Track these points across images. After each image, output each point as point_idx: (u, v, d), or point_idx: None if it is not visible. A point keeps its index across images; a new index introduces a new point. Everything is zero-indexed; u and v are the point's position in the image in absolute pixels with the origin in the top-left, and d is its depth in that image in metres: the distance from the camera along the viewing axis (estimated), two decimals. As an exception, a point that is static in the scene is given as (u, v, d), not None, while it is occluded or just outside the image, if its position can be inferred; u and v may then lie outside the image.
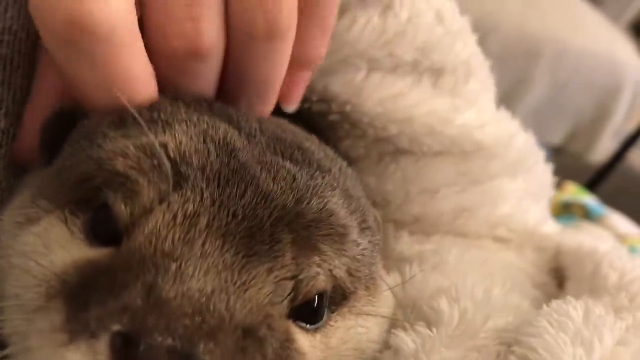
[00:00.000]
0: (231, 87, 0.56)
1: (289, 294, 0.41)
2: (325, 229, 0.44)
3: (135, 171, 0.42)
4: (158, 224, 0.39)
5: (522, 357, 0.41)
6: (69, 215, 0.43)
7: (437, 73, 0.71)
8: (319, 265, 0.43)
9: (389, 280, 0.56)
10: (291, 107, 0.61)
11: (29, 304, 0.40)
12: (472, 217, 0.75)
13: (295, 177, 0.45)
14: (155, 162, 0.42)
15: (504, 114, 0.79)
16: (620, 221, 1.44)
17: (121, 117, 0.47)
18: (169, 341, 0.34)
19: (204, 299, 0.36)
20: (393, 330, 0.50)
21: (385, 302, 0.53)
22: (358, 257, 0.47)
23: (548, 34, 1.85)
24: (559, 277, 0.72)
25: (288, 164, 0.46)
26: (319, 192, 0.45)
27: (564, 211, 1.52)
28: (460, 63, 0.72)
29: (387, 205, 0.72)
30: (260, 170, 0.44)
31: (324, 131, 0.68)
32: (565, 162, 1.86)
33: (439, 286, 0.56)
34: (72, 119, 0.51)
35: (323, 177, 0.48)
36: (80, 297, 0.38)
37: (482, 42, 0.77)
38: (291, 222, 0.42)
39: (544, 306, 0.49)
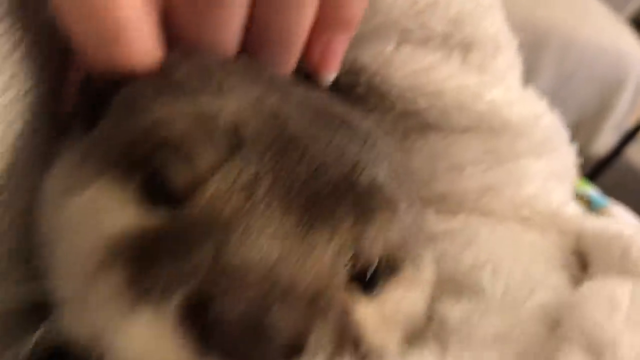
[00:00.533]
0: (253, 41, 0.54)
1: (349, 260, 0.41)
2: (378, 198, 0.43)
3: (188, 137, 0.41)
4: (217, 190, 0.39)
5: (577, 337, 0.40)
6: (122, 178, 0.42)
7: (466, 48, 0.71)
8: (376, 233, 0.42)
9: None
10: (330, 74, 0.59)
11: (84, 269, 0.39)
12: (497, 196, 0.74)
13: (346, 148, 0.44)
14: (209, 128, 0.41)
15: (530, 93, 0.78)
16: (622, 213, 1.44)
17: (167, 84, 0.46)
18: (241, 305, 0.33)
19: (272, 264, 0.35)
20: (438, 301, 0.49)
21: (428, 275, 0.52)
22: (407, 229, 0.46)
23: (555, 25, 1.85)
24: (581, 261, 0.72)
25: (338, 135, 0.45)
26: (369, 164, 0.44)
27: (568, 203, 1.52)
28: (489, 39, 0.72)
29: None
30: (313, 140, 0.43)
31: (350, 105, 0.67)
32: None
33: (475, 262, 0.55)
34: (110, 85, 0.48)
35: (371, 150, 0.47)
36: (141, 262, 0.37)
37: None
38: (346, 190, 0.41)
39: (585, 284, 0.48)
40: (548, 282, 0.54)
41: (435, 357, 0.41)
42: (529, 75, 2.00)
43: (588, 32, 1.91)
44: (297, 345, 0.34)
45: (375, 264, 0.43)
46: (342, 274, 0.40)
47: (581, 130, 2.01)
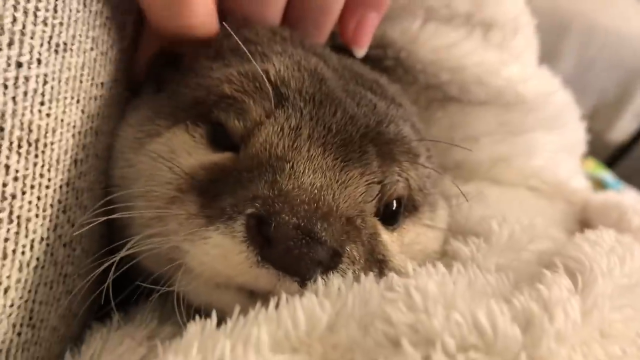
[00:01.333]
0: (292, 17, 0.61)
1: (376, 195, 0.49)
2: (402, 147, 0.51)
3: (241, 93, 0.49)
4: (269, 134, 0.47)
5: (564, 264, 0.46)
6: (190, 125, 0.51)
7: (487, 27, 0.76)
8: (399, 174, 0.50)
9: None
10: (361, 50, 0.65)
11: (162, 197, 0.47)
12: (507, 166, 0.80)
13: (375, 105, 0.52)
14: (258, 84, 0.49)
15: (545, 71, 0.84)
16: (636, 198, 1.48)
17: (218, 50, 0.55)
18: (294, 220, 0.40)
19: (316, 191, 0.43)
20: (450, 239, 0.56)
21: (442, 219, 0.60)
22: (426, 177, 0.54)
23: (578, 10, 1.88)
24: (584, 228, 0.78)
25: (369, 94, 0.54)
26: (395, 120, 0.52)
27: (582, 185, 1.56)
28: (509, 19, 0.77)
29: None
30: (346, 96, 0.51)
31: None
32: (587, 139, 1.88)
33: (485, 214, 0.61)
34: (174, 58, 0.58)
35: (397, 109, 0.55)
36: (210, 191, 0.45)
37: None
38: (374, 138, 0.49)
39: (577, 233, 0.54)
40: (549, 233, 0.61)
41: (457, 273, 0.47)
42: (551, 60, 2.02)
43: (611, 19, 1.93)
44: (337, 253, 0.42)
45: (397, 199, 0.51)
46: (372, 204, 0.48)
47: (600, 116, 2.03)
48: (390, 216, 0.51)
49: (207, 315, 0.40)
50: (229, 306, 0.40)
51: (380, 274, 0.46)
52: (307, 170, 0.44)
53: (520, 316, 0.37)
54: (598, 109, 2.02)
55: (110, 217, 0.47)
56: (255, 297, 0.41)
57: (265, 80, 0.49)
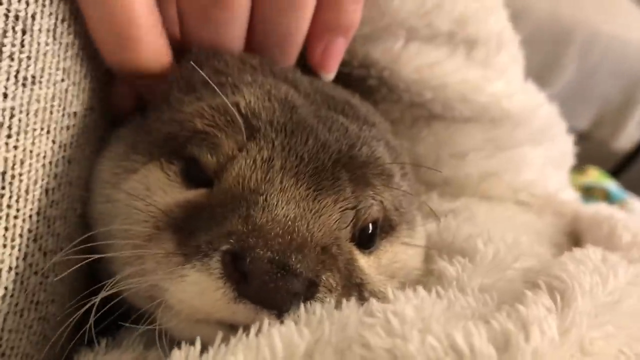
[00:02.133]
0: (256, 42, 0.61)
1: (351, 221, 0.49)
2: (375, 169, 0.52)
3: (213, 128, 0.50)
4: (242, 168, 0.48)
5: (547, 283, 0.47)
6: (164, 163, 0.51)
7: (471, 44, 0.76)
8: (372, 198, 0.51)
9: (426, 225, 0.63)
10: (329, 75, 0.65)
11: (139, 236, 0.48)
12: (496, 181, 0.81)
13: (347, 128, 0.53)
14: (229, 118, 0.50)
15: (530, 86, 0.84)
16: (640, 207, 1.48)
17: (188, 82, 0.55)
18: (269, 254, 0.41)
19: (290, 222, 0.44)
20: (436, 258, 0.57)
21: (421, 236, 0.60)
22: (401, 196, 0.55)
23: (579, 19, 1.88)
24: (574, 241, 0.78)
25: (341, 118, 0.54)
26: (368, 141, 0.53)
27: (586, 194, 1.56)
28: (493, 36, 0.77)
29: (418, 168, 0.77)
30: (318, 123, 0.52)
31: (362, 95, 0.74)
32: (591, 148, 1.87)
33: (472, 232, 0.62)
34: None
35: (370, 130, 0.55)
36: (186, 229, 0.46)
37: (513, 25, 0.82)
38: (347, 163, 0.50)
39: (565, 252, 0.55)
40: (534, 251, 0.61)
41: (436, 296, 0.47)
42: (553, 69, 2.02)
43: (613, 26, 1.93)
44: (313, 283, 0.43)
45: (372, 222, 0.52)
46: (347, 230, 0.49)
47: (604, 124, 2.02)
48: (366, 239, 0.52)
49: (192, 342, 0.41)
50: (210, 339, 0.41)
51: (360, 297, 0.47)
52: (280, 202, 0.45)
53: (498, 336, 0.38)
54: (602, 118, 2.01)
55: (88, 259, 0.49)
56: (236, 329, 0.42)
57: (236, 113, 0.50)
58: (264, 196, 0.45)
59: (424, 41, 0.75)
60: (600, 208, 0.84)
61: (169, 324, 0.45)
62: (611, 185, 1.64)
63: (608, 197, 1.57)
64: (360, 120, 0.56)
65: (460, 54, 0.77)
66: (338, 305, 0.43)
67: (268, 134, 0.49)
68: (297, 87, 0.57)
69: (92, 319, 0.46)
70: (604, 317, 0.44)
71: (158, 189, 0.51)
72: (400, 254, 0.55)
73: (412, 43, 0.74)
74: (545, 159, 0.84)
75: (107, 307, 0.46)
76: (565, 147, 0.89)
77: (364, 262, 0.51)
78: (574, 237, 0.79)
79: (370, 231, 0.52)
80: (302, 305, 0.42)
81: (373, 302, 0.42)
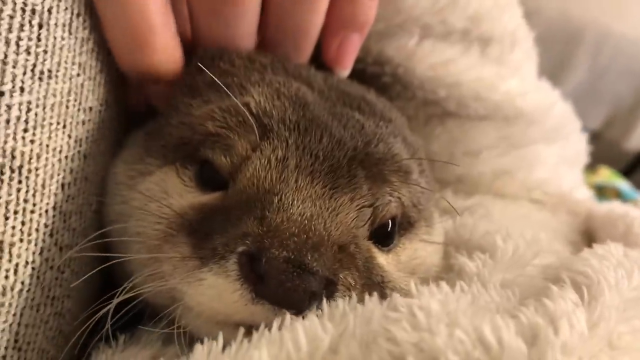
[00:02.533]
0: (269, 38, 0.61)
1: (368, 219, 0.49)
2: (392, 166, 0.51)
3: (225, 129, 0.50)
4: (256, 168, 0.47)
5: (571, 278, 0.46)
6: (179, 168, 0.51)
7: (485, 42, 0.76)
8: (390, 194, 0.50)
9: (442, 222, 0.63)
10: (344, 71, 0.65)
11: (153, 237, 0.48)
12: (510, 179, 0.80)
13: (363, 125, 0.52)
14: (241, 119, 0.49)
15: (544, 84, 0.84)
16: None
17: (193, 85, 0.55)
18: (285, 254, 0.41)
19: (306, 221, 0.44)
20: (454, 254, 0.56)
21: (439, 233, 0.60)
22: (419, 192, 0.54)
23: (590, 18, 1.86)
24: (588, 239, 0.77)
25: (356, 114, 0.54)
26: (384, 138, 0.52)
27: (598, 194, 1.55)
28: (507, 33, 0.77)
29: (432, 165, 0.78)
30: (332, 119, 0.51)
31: (376, 92, 0.73)
32: (602, 148, 1.86)
33: (489, 229, 0.61)
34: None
35: (387, 126, 0.55)
36: (200, 231, 0.46)
37: (523, 24, 0.82)
38: (363, 160, 0.49)
39: (585, 248, 0.54)
40: (553, 248, 0.61)
41: (460, 291, 0.47)
42: (564, 69, 2.00)
43: (623, 26, 1.92)
44: (331, 281, 0.42)
45: (390, 219, 0.51)
46: (364, 228, 0.49)
47: (616, 124, 2.01)
48: (385, 237, 0.51)
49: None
50: (230, 339, 0.40)
51: (382, 295, 0.46)
52: (296, 201, 0.45)
53: (526, 330, 0.37)
54: (613, 117, 2.00)
55: (107, 264, 0.49)
56: (256, 329, 0.41)
57: (247, 113, 0.49)
58: (279, 196, 0.45)
59: (438, 38, 0.74)
60: (614, 206, 0.83)
61: (190, 325, 0.45)
62: (623, 184, 1.63)
63: (620, 197, 1.56)
64: (376, 117, 0.56)
65: (475, 52, 0.76)
66: (361, 300, 0.42)
67: (281, 133, 0.49)
68: (310, 84, 0.56)
69: (109, 321, 0.45)
70: (630, 311, 0.43)
71: (174, 192, 0.50)
72: (419, 250, 0.55)
73: (427, 40, 0.74)
74: (559, 157, 0.84)
75: (125, 309, 0.46)
76: (579, 146, 0.88)
77: (383, 259, 0.51)
78: (588, 235, 0.78)
79: (388, 228, 0.51)
80: (320, 305, 0.42)
81: (397, 297, 0.42)
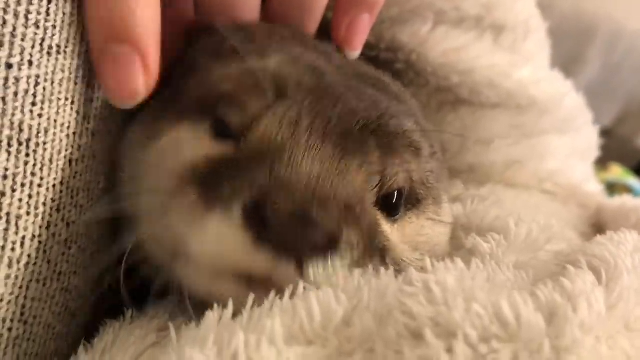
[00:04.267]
0: (272, 13, 0.61)
1: (376, 185, 0.49)
2: (403, 141, 0.51)
3: (241, 89, 0.50)
4: (268, 126, 0.47)
5: (587, 262, 0.45)
6: (194, 125, 0.51)
7: (498, 30, 0.76)
8: (399, 166, 0.50)
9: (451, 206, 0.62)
10: (354, 52, 0.64)
11: (164, 192, 0.48)
12: (521, 169, 0.80)
13: (377, 100, 0.52)
14: (257, 80, 0.49)
15: (557, 74, 0.83)
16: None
17: (216, 49, 0.55)
18: (290, 205, 0.41)
19: (313, 179, 0.44)
20: (468, 238, 0.56)
21: (447, 213, 0.59)
22: (429, 171, 0.54)
23: (604, 14, 1.85)
24: (598, 233, 0.76)
25: (370, 90, 0.54)
26: (397, 114, 0.52)
27: (608, 191, 1.54)
28: (520, 22, 0.77)
29: (443, 153, 0.77)
30: (347, 91, 0.51)
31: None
32: (614, 145, 1.85)
33: (500, 214, 0.61)
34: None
35: (400, 105, 0.55)
36: (210, 181, 0.46)
37: (536, 19, 0.81)
38: (375, 130, 0.49)
39: (599, 235, 0.53)
40: (565, 235, 0.60)
41: (475, 267, 0.46)
42: (577, 65, 1.99)
43: (637, 23, 1.91)
44: (334, 239, 0.42)
45: (398, 190, 0.51)
46: (372, 194, 0.48)
47: (628, 121, 2.00)
48: (391, 208, 0.51)
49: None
50: (227, 296, 0.41)
51: (382, 263, 0.46)
52: (305, 160, 0.45)
53: (544, 307, 0.37)
54: (626, 114, 1.99)
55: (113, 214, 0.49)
56: (253, 287, 0.42)
57: (264, 75, 0.49)
58: (289, 152, 0.45)
59: (451, 25, 0.74)
60: (626, 200, 0.82)
61: (189, 280, 0.45)
62: (634, 182, 1.63)
63: (631, 194, 1.55)
64: (391, 96, 0.56)
65: (488, 39, 0.76)
66: (377, 273, 0.42)
67: (296, 95, 0.49)
68: (329, 58, 0.56)
69: (122, 281, 0.46)
70: (647, 295, 0.43)
71: (187, 147, 0.50)
72: (426, 228, 0.54)
73: (440, 26, 0.74)
74: (570, 149, 0.83)
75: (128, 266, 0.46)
76: (590, 139, 0.88)
77: (388, 228, 0.50)
78: (598, 229, 0.77)
79: (395, 200, 0.51)
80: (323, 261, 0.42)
81: (412, 272, 0.41)
